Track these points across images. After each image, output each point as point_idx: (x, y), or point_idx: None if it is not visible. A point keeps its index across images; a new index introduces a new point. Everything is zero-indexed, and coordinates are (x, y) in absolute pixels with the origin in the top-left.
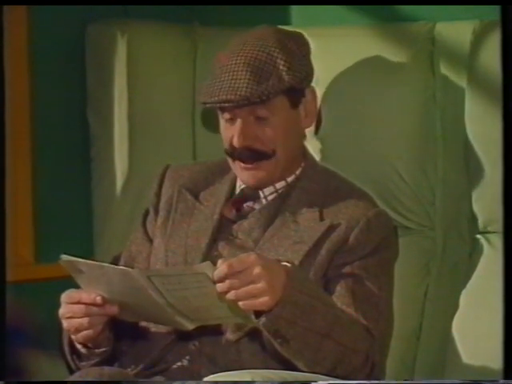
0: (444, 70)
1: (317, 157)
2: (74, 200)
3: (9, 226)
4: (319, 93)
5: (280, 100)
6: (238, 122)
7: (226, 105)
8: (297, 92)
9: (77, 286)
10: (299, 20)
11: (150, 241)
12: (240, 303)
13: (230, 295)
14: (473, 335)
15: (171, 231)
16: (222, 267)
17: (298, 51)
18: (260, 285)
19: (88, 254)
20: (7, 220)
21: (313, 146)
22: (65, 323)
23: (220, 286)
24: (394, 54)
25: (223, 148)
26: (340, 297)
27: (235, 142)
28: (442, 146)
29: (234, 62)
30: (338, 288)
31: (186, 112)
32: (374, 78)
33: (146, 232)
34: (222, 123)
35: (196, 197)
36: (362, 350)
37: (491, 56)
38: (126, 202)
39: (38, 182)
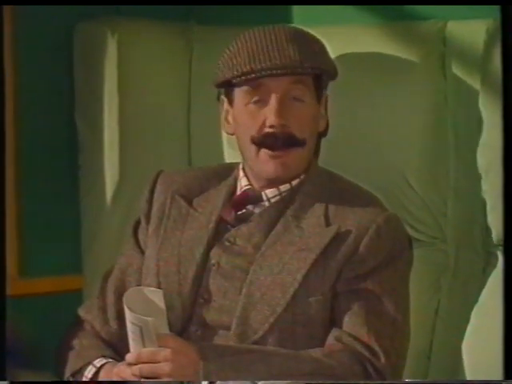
0: (456, 71)
1: (320, 163)
2: (61, 210)
3: None
4: None
5: (311, 88)
6: (274, 99)
7: (279, 71)
8: (321, 85)
9: (63, 302)
10: (301, 19)
11: (142, 252)
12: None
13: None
14: (485, 353)
15: (163, 239)
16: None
17: (323, 44)
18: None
19: (76, 269)
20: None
21: None
22: None
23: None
24: (402, 55)
25: (246, 137)
26: (353, 316)
27: (271, 120)
28: (453, 153)
29: (274, 37)
30: (351, 306)
31: (180, 116)
32: (381, 81)
33: (137, 243)
34: (245, 110)
35: (190, 203)
36: (351, 371)
37: None
38: (116, 212)
39: (23, 191)
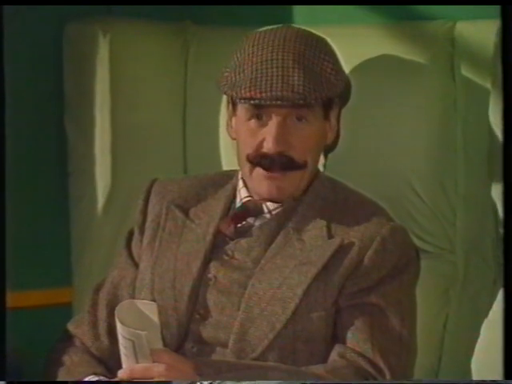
0: (465, 74)
1: (323, 170)
2: (50, 220)
3: None
4: None
5: (317, 108)
6: (274, 123)
7: (279, 103)
8: (330, 105)
9: (52, 316)
10: (304, 18)
11: (136, 265)
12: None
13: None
14: (495, 369)
15: (158, 253)
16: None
17: (335, 55)
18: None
19: (66, 281)
20: None
21: None
22: None
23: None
24: (409, 57)
25: (242, 153)
26: (356, 331)
27: (268, 147)
28: (463, 159)
29: (280, 57)
30: (355, 321)
31: (176, 121)
32: (387, 83)
33: (130, 255)
34: (246, 126)
35: (186, 214)
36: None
37: None
38: (108, 222)
39: (9, 199)
